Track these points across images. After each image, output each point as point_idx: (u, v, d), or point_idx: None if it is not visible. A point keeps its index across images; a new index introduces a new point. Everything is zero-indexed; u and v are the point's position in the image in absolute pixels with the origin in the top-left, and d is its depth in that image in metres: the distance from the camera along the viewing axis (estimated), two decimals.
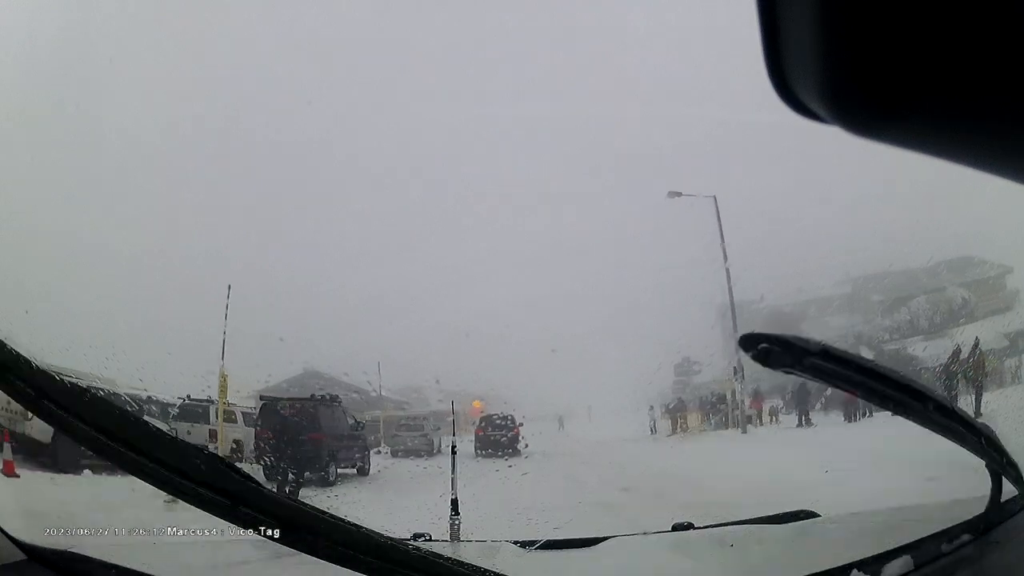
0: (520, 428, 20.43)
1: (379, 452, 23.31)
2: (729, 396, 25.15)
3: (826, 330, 26.24)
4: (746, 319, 28.88)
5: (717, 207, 22.96)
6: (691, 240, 26.77)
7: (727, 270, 22.93)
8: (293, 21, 30.86)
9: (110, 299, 18.10)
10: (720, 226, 22.87)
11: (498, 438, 20.06)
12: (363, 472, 17.68)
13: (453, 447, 5.97)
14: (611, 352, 26.77)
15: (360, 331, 24.05)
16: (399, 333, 24.83)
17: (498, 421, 20.46)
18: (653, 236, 27.44)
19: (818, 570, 1.79)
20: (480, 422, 21.23)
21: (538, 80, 31.48)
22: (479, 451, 19.75)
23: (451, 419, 25.71)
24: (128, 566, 1.95)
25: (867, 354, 22.68)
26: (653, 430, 26.59)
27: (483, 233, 28.36)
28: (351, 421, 18.43)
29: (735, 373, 23.22)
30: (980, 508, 1.89)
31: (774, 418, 25.49)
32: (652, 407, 27.78)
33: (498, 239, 28.57)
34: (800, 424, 22.42)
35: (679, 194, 23.77)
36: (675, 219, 26.69)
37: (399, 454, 22.18)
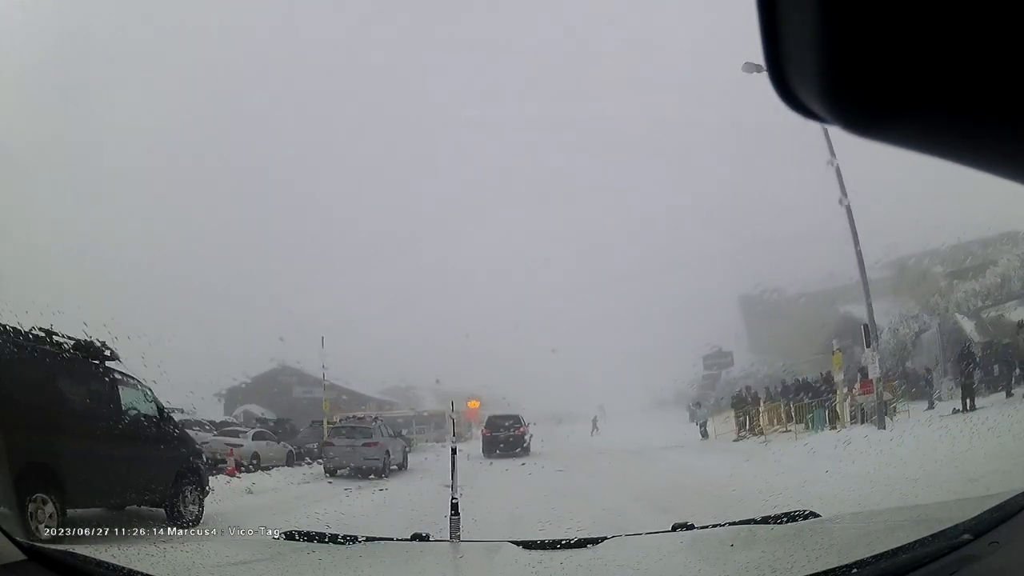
0: (528, 428, 19.76)
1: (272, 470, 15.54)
2: (839, 377, 17.14)
3: (893, 307, 23.55)
4: (774, 308, 27.31)
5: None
6: (707, 228, 26.20)
7: (849, 213, 16.48)
8: (294, 20, 30.90)
9: (104, 297, 18.07)
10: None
11: (505, 438, 19.26)
12: (182, 520, 8.54)
13: (453, 449, 5.91)
14: (628, 346, 25.28)
15: (351, 330, 23.29)
16: (391, 331, 24.17)
17: (504, 422, 19.78)
18: (661, 229, 26.97)
19: (818, 570, 1.79)
20: (487, 422, 20.25)
21: (538, 80, 31.49)
22: (486, 453, 19.03)
23: (444, 420, 23.16)
24: (128, 566, 1.96)
25: (967, 325, 21.08)
26: (704, 433, 20.07)
27: (485, 227, 28.12)
28: (145, 406, 9.28)
29: (867, 341, 15.66)
30: (980, 508, 1.90)
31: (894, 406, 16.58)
32: (699, 404, 22.04)
33: (501, 233, 28.27)
34: (964, 408, 14.92)
35: (759, 68, 19.52)
36: (685, 210, 26.24)
37: (336, 474, 14.95)
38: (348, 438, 15.56)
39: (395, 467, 16.31)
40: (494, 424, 19.26)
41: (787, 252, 23.55)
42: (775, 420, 18.96)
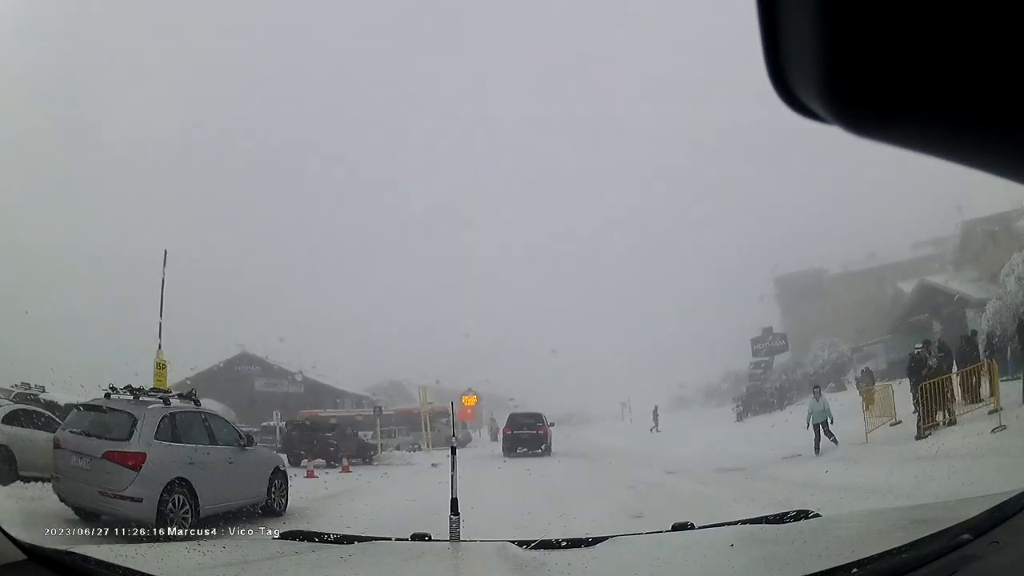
0: (550, 427, 19.35)
1: None
2: None
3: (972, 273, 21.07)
4: (817, 289, 24.54)
5: None
6: (730, 219, 25.43)
7: None
8: (293, 20, 30.93)
9: (100, 296, 18.02)
10: None
11: (527, 438, 18.86)
12: None
13: (453, 448, 5.88)
14: (650, 340, 23.25)
15: (340, 325, 22.48)
16: (385, 328, 23.41)
17: (526, 420, 19.49)
18: (675, 223, 26.39)
19: (818, 570, 1.79)
20: (508, 420, 19.84)
21: (538, 80, 31.50)
22: (507, 451, 18.77)
23: (420, 420, 19.62)
24: (128, 566, 1.96)
25: None
26: (832, 434, 12.97)
27: (490, 225, 27.88)
28: None
29: None
30: (980, 508, 1.90)
31: None
32: (819, 388, 14.54)
33: (507, 231, 27.99)
34: None
35: None
36: (701, 205, 25.51)
37: (88, 515, 7.32)
38: (84, 436, 7.61)
39: (241, 504, 8.48)
40: (516, 423, 18.95)
41: (818, 236, 22.28)
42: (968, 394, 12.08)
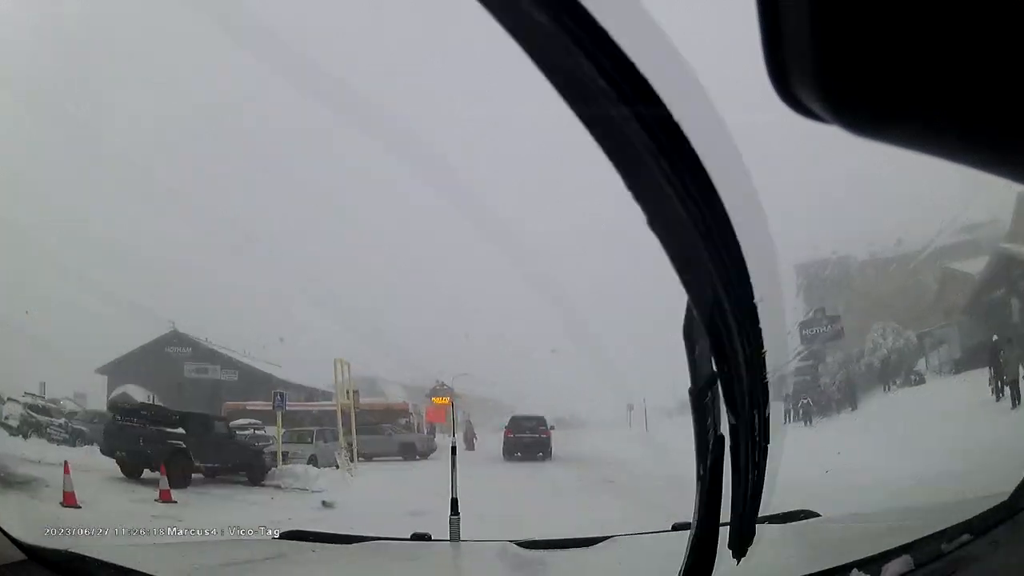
0: (551, 431, 18.88)
1: None
2: None
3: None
4: (844, 276, 23.58)
5: None
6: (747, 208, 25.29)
7: None
8: (292, 18, 30.92)
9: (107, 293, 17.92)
10: None
11: (529, 441, 18.41)
12: None
13: (453, 447, 5.90)
14: (661, 331, 22.66)
15: (330, 326, 21.71)
16: (370, 321, 22.84)
17: (528, 423, 19.12)
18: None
19: (818, 570, 1.79)
20: (509, 423, 19.43)
21: (537, 78, 31.45)
22: (507, 455, 18.39)
23: (339, 421, 17.27)
24: (128, 566, 1.96)
25: None
26: None
27: (490, 220, 27.72)
28: None
29: None
30: (980, 508, 1.90)
31: None
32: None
33: (503, 226, 27.85)
34: None
35: None
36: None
37: None
38: None
39: None
40: (518, 426, 18.65)
41: (830, 227, 21.73)
42: None
